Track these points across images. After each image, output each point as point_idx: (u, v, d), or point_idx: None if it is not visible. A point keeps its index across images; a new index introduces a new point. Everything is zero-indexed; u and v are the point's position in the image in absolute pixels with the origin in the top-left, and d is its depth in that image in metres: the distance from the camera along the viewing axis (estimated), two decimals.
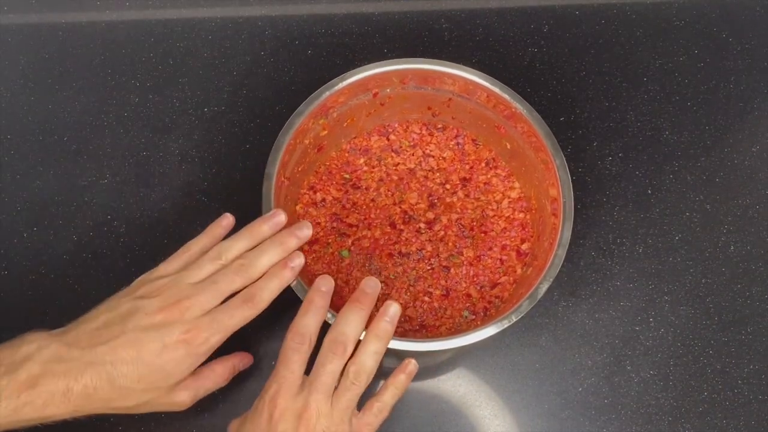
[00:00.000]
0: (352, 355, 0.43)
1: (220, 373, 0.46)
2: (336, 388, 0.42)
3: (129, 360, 0.40)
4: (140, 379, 0.40)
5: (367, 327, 0.44)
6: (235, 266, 0.44)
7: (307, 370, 0.43)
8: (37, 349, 0.40)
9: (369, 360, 0.42)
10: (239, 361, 0.49)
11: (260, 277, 0.44)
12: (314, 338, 0.43)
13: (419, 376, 0.54)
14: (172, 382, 0.42)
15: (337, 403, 0.41)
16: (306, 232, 0.47)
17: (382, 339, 0.43)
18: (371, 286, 0.45)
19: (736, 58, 0.68)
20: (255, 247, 0.45)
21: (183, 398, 0.43)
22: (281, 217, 0.47)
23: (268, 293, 0.44)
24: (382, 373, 0.52)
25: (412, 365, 0.45)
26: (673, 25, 0.70)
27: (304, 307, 0.44)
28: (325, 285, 0.45)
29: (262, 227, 0.46)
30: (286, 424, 0.40)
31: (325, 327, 0.44)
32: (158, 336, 0.41)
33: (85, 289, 0.58)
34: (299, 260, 0.45)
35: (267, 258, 0.44)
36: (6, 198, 0.60)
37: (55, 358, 0.39)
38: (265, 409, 0.41)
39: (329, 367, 0.42)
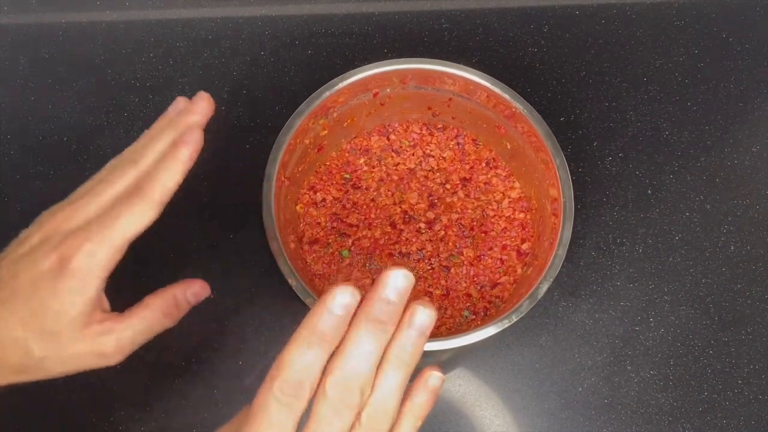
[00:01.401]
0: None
1: (156, 308, 0.35)
2: None
3: (3, 300, 0.31)
4: (25, 323, 0.31)
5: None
6: (123, 159, 0.35)
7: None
8: None
9: (391, 398, 0.29)
10: (183, 290, 0.36)
11: None
12: (316, 386, 0.28)
13: None
14: (67, 323, 0.32)
15: None
16: (202, 104, 0.37)
17: (408, 364, 0.29)
18: (395, 287, 0.29)
19: (736, 58, 0.68)
20: None
21: (106, 346, 0.33)
22: (179, 104, 0.38)
23: (161, 179, 0.33)
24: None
25: (433, 378, 0.30)
26: (673, 25, 0.70)
27: (306, 336, 0.28)
28: (341, 303, 0.28)
29: (160, 121, 0.37)
30: None
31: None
32: (30, 261, 0.32)
33: None
34: (195, 134, 0.35)
35: (160, 143, 0.35)
36: (6, 198, 0.60)
37: None
38: None
39: (336, 425, 0.28)
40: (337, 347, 0.28)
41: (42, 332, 0.31)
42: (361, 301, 0.29)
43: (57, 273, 0.31)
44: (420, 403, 0.30)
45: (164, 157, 0.34)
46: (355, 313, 0.29)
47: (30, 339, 0.31)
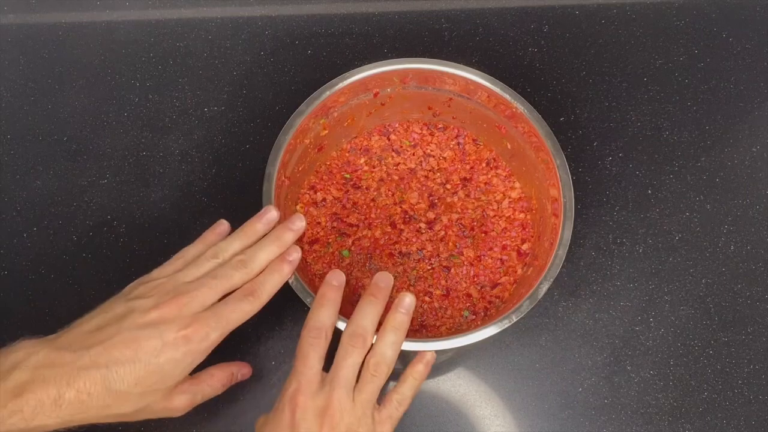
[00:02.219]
0: (370, 348, 0.43)
1: (218, 378, 0.45)
2: (356, 382, 0.42)
3: (125, 361, 0.38)
4: (138, 382, 0.38)
5: (381, 322, 0.44)
6: (234, 262, 0.43)
7: (326, 366, 0.42)
8: (26, 355, 0.37)
9: (389, 351, 0.42)
10: (238, 369, 0.48)
11: (259, 274, 0.44)
12: (330, 332, 0.43)
13: None
14: (170, 384, 0.40)
15: (358, 397, 0.41)
16: (299, 224, 0.46)
17: (398, 330, 0.43)
18: (385, 280, 0.46)
19: (736, 58, 0.68)
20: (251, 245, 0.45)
21: (180, 403, 0.42)
22: (273, 214, 0.46)
23: (269, 287, 0.43)
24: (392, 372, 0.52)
25: (429, 355, 0.45)
26: (673, 25, 0.70)
27: (318, 302, 0.44)
28: (336, 279, 0.45)
29: (256, 225, 0.46)
30: (308, 423, 0.40)
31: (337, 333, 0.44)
32: (156, 333, 0.39)
33: (85, 289, 0.58)
34: (297, 254, 0.45)
35: (265, 253, 0.44)
36: (6, 198, 0.60)
37: (45, 364, 0.37)
38: (286, 409, 0.40)
39: (349, 360, 0.41)
40: (351, 317, 0.44)
41: (148, 390, 0.39)
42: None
43: (180, 348, 0.39)
44: (418, 370, 0.45)
45: (271, 269, 0.44)
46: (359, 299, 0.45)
47: (137, 394, 0.39)
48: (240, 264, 0.43)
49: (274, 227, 0.46)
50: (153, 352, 0.39)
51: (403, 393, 0.44)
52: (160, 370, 0.39)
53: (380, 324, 0.44)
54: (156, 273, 0.44)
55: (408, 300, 0.45)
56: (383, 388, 0.43)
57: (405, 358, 0.46)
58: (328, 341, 0.42)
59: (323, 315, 0.43)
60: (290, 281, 0.46)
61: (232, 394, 0.53)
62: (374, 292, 0.45)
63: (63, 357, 0.38)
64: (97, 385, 0.37)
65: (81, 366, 0.37)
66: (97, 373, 0.37)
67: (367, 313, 0.43)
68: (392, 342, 0.43)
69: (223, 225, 0.48)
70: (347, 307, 0.46)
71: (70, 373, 0.37)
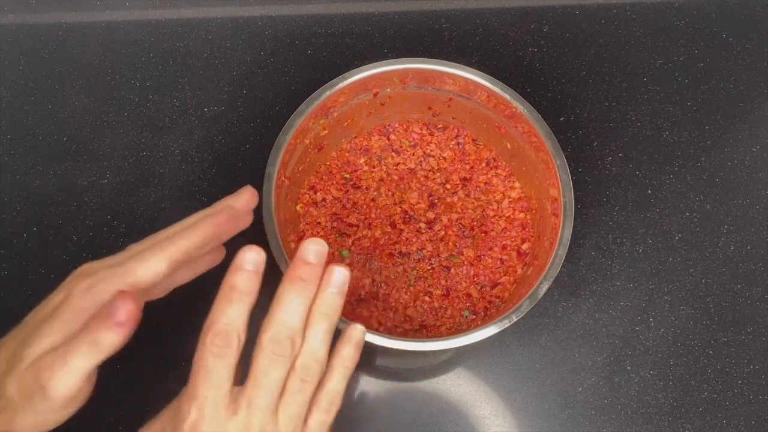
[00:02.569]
0: None
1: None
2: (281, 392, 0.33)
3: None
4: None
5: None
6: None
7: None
8: None
9: (320, 346, 0.34)
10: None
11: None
12: (243, 336, 0.33)
13: (419, 376, 0.54)
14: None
15: (284, 413, 0.33)
16: (245, 195, 0.38)
17: (329, 316, 0.34)
18: (314, 251, 0.34)
19: (736, 58, 0.68)
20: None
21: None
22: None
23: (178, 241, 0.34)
24: (378, 373, 0.52)
25: (357, 332, 0.36)
26: (673, 25, 0.70)
27: (223, 296, 0.32)
28: (251, 261, 0.33)
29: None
30: None
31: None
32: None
33: None
34: (227, 212, 0.37)
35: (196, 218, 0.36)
36: (6, 198, 0.60)
37: None
38: None
39: (273, 374, 0.32)
40: (270, 308, 0.33)
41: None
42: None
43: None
44: (347, 355, 0.35)
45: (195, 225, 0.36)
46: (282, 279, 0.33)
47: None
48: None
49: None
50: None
51: (333, 390, 0.35)
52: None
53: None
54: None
55: (338, 274, 0.34)
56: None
57: (401, 357, 0.45)
58: (239, 349, 0.32)
59: (233, 313, 0.32)
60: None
61: None
62: (300, 273, 0.33)
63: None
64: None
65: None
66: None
67: (293, 305, 0.33)
68: (323, 332, 0.34)
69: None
70: (345, 306, 0.46)
71: None
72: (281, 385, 0.33)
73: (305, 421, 0.34)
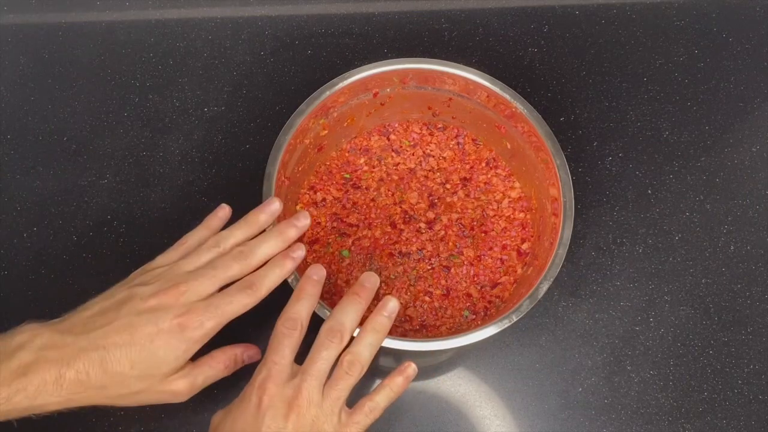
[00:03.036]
0: (347, 345, 0.42)
1: (220, 361, 0.45)
2: (329, 377, 0.41)
3: (122, 344, 0.39)
4: (133, 365, 0.40)
5: (363, 321, 0.44)
6: (234, 253, 0.43)
7: (299, 360, 0.42)
8: (30, 337, 0.39)
9: (365, 351, 0.42)
10: (242, 351, 0.47)
11: (259, 267, 0.44)
12: (305, 324, 0.42)
13: (419, 376, 0.54)
14: (165, 370, 0.41)
15: (328, 393, 0.41)
16: (304, 221, 0.46)
17: (378, 332, 0.43)
18: (370, 281, 0.45)
19: (736, 58, 0.68)
20: (254, 237, 0.45)
21: (180, 387, 0.42)
22: (276, 205, 0.47)
23: (268, 281, 0.43)
24: (380, 372, 0.52)
25: (411, 369, 0.44)
26: (673, 25, 0.70)
27: (296, 295, 0.44)
28: (316, 274, 0.44)
29: (259, 216, 0.46)
30: (275, 411, 0.39)
31: (317, 321, 0.44)
32: (152, 319, 0.40)
33: (86, 289, 0.57)
34: (300, 252, 0.45)
35: (266, 247, 0.44)
36: (6, 198, 0.60)
37: (47, 345, 0.39)
38: (253, 396, 0.40)
39: (325, 353, 0.41)
40: (332, 312, 0.43)
41: (144, 373, 0.40)
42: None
43: (174, 335, 0.40)
44: (397, 382, 0.44)
45: (273, 263, 0.44)
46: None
47: (133, 377, 0.40)
48: (240, 255, 0.43)
49: (277, 219, 0.46)
50: (148, 337, 0.40)
51: (377, 402, 0.43)
52: (153, 354, 0.40)
53: (361, 323, 0.44)
54: (159, 260, 0.45)
55: (392, 304, 0.44)
56: (354, 390, 0.42)
57: (400, 359, 0.45)
58: (302, 334, 0.42)
59: (300, 307, 0.43)
60: (290, 280, 0.45)
61: (232, 394, 0.53)
62: (358, 291, 0.44)
63: (64, 339, 0.39)
64: (95, 366, 0.39)
65: (80, 348, 0.39)
66: (95, 355, 0.39)
67: (348, 310, 0.43)
68: (370, 343, 0.42)
69: (225, 209, 0.49)
70: None
71: (70, 354, 0.39)
72: (329, 365, 0.41)
73: (348, 414, 0.42)
